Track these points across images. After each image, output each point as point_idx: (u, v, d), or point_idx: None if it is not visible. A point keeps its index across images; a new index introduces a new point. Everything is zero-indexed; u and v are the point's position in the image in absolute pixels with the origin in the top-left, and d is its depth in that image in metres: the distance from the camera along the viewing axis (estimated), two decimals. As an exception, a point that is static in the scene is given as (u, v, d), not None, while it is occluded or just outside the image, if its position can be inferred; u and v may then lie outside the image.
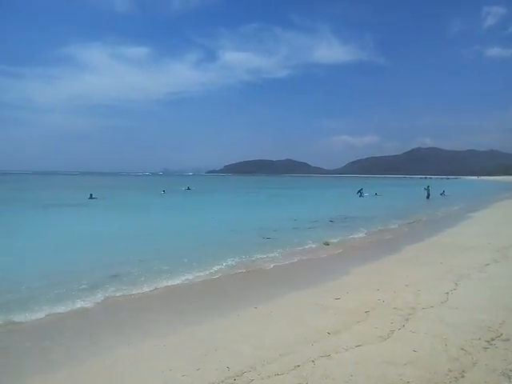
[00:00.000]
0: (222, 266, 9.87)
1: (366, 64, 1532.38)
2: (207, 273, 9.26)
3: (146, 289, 7.99)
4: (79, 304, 6.95)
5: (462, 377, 3.78)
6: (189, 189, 53.38)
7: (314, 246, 12.73)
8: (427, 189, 37.54)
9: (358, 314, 5.82)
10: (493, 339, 4.59)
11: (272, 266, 10.02)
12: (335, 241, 13.49)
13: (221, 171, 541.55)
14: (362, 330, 5.14)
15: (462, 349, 4.36)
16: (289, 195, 48.00)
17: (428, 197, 36.70)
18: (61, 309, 6.70)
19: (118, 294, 7.61)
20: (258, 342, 4.97)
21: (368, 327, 5.24)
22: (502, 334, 4.71)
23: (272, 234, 14.96)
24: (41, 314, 6.43)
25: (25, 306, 6.74)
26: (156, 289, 8.03)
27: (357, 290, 7.30)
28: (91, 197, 32.55)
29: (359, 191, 40.63)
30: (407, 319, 5.43)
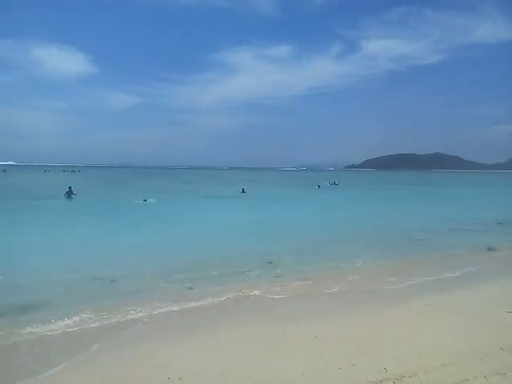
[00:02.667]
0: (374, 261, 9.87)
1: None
2: (360, 263, 9.39)
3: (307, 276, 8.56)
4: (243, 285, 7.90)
5: None
6: (335, 184, 52.93)
7: (473, 250, 11.23)
8: None
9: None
10: None
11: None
12: (504, 246, 11.55)
13: (360, 166, 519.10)
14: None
15: None
16: (442, 192, 43.01)
17: None
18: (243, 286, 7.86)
19: (271, 283, 8.21)
20: (416, 346, 4.76)
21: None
22: None
23: (423, 235, 13.80)
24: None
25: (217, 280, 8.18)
26: (315, 278, 8.44)
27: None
28: (243, 191, 35.79)
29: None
30: None
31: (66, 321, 5.94)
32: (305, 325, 5.75)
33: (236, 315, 6.33)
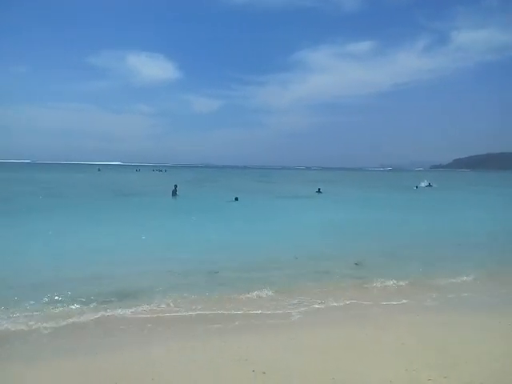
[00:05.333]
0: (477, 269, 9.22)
1: None
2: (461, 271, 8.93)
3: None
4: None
5: None
6: (430, 185, 47.69)
7: None
8: None
9: None
10: None
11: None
12: None
13: (449, 166, 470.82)
14: None
15: None
16: None
17: None
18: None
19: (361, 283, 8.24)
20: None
21: None
22: None
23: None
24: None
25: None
26: (403, 282, 8.22)
27: None
28: (319, 191, 35.49)
29: None
30: None
31: (166, 308, 6.59)
32: (390, 331, 5.63)
33: (317, 315, 6.43)
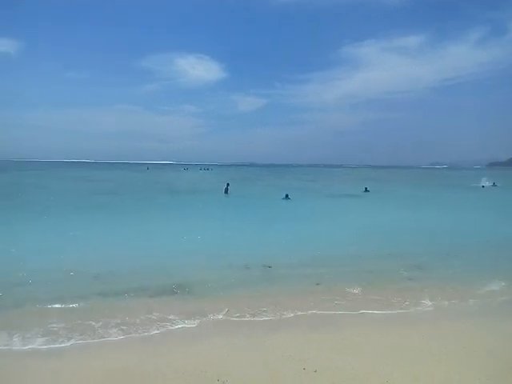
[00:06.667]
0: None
1: None
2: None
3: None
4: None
5: None
6: (494, 185, 44.05)
7: None
8: None
9: None
10: None
11: None
12: None
13: (507, 163, 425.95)
14: None
15: None
16: None
17: None
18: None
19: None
20: None
21: None
22: None
23: None
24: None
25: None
26: (462, 285, 7.84)
27: None
28: (366, 190, 34.60)
29: None
30: None
31: (220, 304, 6.73)
32: (449, 336, 5.48)
33: (370, 317, 6.33)
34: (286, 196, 25.80)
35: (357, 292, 7.57)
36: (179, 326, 5.91)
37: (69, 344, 5.27)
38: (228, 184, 30.89)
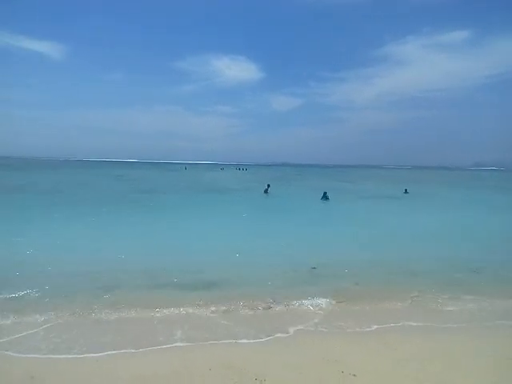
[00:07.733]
0: None
1: None
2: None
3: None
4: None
5: None
6: None
7: None
8: None
9: None
10: None
11: None
12: None
13: None
14: None
15: None
16: None
17: None
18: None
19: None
20: None
21: None
22: None
23: None
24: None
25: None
26: None
27: None
28: (406, 191, 33.85)
29: None
30: None
31: (261, 302, 6.91)
32: (496, 345, 5.34)
33: (409, 320, 6.27)
34: (325, 195, 25.80)
35: (401, 295, 7.50)
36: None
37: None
38: (269, 185, 31.87)
